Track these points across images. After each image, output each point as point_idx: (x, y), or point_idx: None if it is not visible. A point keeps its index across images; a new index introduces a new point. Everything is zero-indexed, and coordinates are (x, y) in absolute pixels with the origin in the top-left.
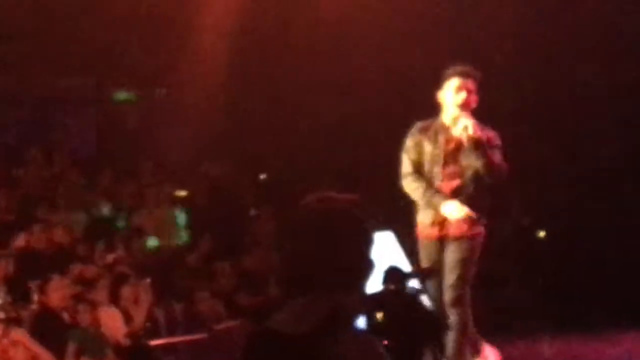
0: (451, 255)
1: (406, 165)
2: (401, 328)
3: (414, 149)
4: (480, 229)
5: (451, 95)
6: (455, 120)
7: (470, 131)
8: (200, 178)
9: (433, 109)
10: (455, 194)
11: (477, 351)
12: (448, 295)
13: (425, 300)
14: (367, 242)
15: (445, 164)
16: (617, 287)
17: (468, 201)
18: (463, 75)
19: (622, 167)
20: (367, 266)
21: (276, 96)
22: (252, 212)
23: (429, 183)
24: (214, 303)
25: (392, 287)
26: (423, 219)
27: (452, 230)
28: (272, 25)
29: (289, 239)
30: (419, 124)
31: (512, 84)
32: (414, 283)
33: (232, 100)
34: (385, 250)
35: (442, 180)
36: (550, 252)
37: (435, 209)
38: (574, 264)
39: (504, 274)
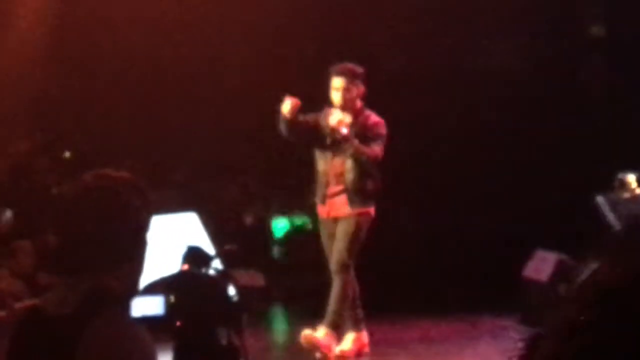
0: (339, 229)
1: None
2: (194, 309)
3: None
4: (365, 210)
5: (332, 93)
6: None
7: (334, 124)
8: (1, 155)
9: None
10: (338, 179)
11: (357, 328)
12: (332, 264)
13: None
14: (137, 222)
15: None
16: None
17: (350, 185)
18: (338, 74)
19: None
20: (135, 247)
21: (88, 72)
22: (54, 190)
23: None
24: (13, 282)
25: (189, 268)
26: (317, 199)
27: (339, 211)
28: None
29: (59, 216)
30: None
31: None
32: (217, 264)
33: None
34: (187, 232)
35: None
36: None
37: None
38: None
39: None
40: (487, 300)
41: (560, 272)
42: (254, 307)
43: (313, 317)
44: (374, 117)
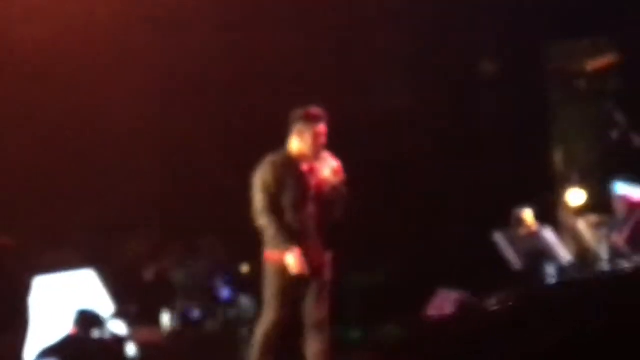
0: None
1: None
2: None
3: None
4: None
5: (313, 139)
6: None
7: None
8: None
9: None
10: None
11: None
12: None
13: (129, 343)
14: (14, 291)
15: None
16: None
17: None
18: (323, 119)
19: None
20: (12, 316)
21: None
22: None
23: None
24: None
25: (76, 332)
26: None
27: None
28: None
29: None
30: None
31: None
32: (114, 325)
33: None
34: (83, 290)
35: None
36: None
37: None
38: None
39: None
40: None
41: (463, 310)
42: None
43: None
44: (332, 159)
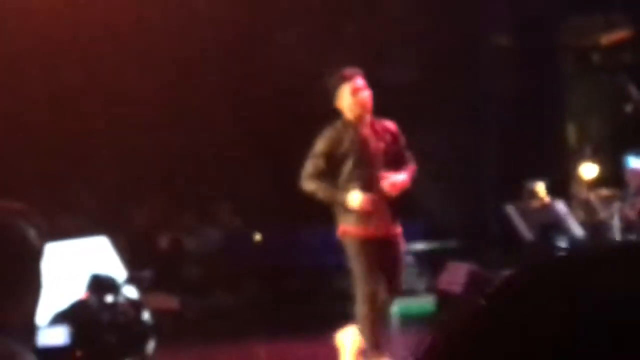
0: None
1: None
2: (93, 339)
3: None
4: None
5: (352, 99)
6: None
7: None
8: None
9: None
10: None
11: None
12: None
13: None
14: (25, 255)
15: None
16: (327, 289)
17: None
18: (356, 73)
19: None
20: (27, 279)
21: None
22: None
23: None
24: None
25: (88, 297)
26: None
27: None
28: None
29: None
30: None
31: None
32: (128, 291)
33: None
34: (98, 256)
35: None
36: (266, 255)
37: None
38: (287, 267)
39: (215, 279)
40: None
41: (474, 283)
42: (166, 330)
43: (230, 336)
44: (389, 124)
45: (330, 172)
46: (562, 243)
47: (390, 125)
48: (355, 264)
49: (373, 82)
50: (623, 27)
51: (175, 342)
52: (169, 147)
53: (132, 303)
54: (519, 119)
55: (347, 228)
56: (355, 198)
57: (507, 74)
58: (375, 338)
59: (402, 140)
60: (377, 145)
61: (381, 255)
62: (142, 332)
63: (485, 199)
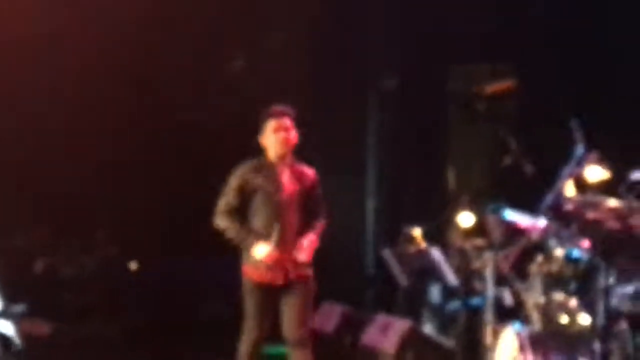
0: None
1: None
2: None
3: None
4: None
5: (271, 138)
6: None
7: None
8: None
9: None
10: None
11: None
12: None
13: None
14: None
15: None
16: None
17: None
18: (283, 114)
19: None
20: None
21: None
22: None
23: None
24: None
25: None
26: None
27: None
28: None
29: None
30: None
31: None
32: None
33: None
34: None
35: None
36: (143, 284)
37: None
38: (164, 296)
39: (89, 307)
40: None
41: (346, 324)
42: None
43: None
44: (308, 170)
45: (241, 207)
46: (436, 290)
47: (309, 171)
48: (246, 305)
49: None
50: (508, 76)
51: None
52: (47, 175)
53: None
54: (401, 163)
55: (245, 268)
56: (260, 250)
57: (392, 117)
58: None
59: (319, 189)
60: (292, 188)
61: (277, 301)
62: None
63: (364, 242)
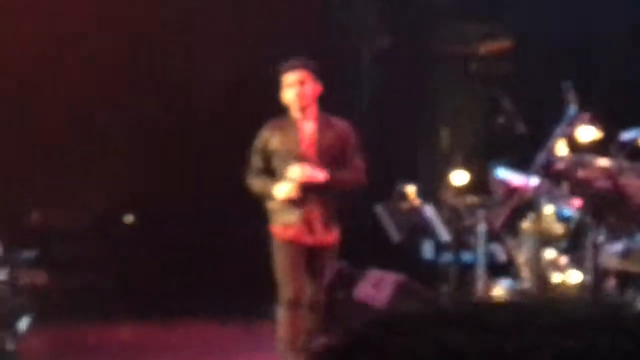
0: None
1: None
2: None
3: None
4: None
5: (284, 94)
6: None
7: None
8: None
9: None
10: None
11: None
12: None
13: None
14: None
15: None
16: (200, 273)
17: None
18: (292, 68)
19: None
20: None
21: None
22: None
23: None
24: None
25: None
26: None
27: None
28: None
29: None
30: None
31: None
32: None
33: None
34: None
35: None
36: (139, 237)
37: None
38: (160, 249)
39: (85, 258)
40: None
41: (338, 279)
42: (38, 307)
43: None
44: (340, 122)
45: (268, 167)
46: (428, 246)
47: (341, 124)
48: (277, 266)
49: None
50: (502, 38)
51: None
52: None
53: (6, 282)
54: (393, 122)
55: (274, 228)
56: (281, 189)
57: (386, 77)
58: (293, 341)
59: (352, 143)
60: (316, 142)
61: (305, 261)
62: (15, 309)
63: (357, 199)
